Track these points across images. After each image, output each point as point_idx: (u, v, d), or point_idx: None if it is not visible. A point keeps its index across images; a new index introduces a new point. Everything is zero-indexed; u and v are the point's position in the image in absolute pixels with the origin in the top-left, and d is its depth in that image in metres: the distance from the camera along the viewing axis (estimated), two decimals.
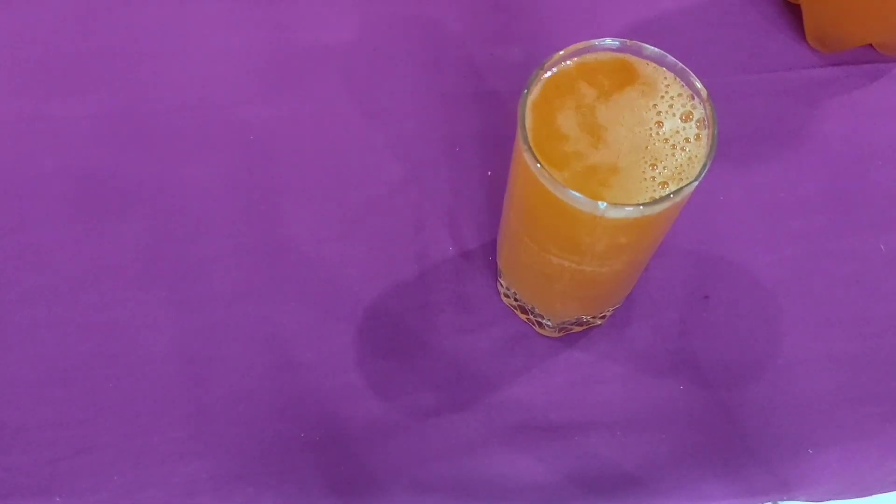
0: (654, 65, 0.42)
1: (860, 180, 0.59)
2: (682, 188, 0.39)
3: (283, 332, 0.54)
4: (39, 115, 0.59)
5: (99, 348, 0.53)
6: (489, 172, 0.58)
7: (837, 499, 0.53)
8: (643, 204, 0.39)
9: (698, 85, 0.42)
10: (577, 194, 0.39)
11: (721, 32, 0.63)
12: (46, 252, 0.55)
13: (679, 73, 0.42)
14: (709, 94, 0.41)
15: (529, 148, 0.39)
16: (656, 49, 0.42)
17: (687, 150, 0.41)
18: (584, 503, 0.51)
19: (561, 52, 0.42)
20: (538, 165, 0.39)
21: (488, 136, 0.59)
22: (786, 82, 0.62)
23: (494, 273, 0.55)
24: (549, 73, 0.42)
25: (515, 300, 0.53)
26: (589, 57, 0.42)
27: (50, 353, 0.53)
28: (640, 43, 0.42)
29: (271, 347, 0.53)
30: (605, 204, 0.39)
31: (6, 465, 0.50)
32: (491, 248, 0.55)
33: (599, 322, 0.54)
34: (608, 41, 0.42)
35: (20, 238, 0.55)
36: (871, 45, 0.62)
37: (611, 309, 0.53)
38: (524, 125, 0.40)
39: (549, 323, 0.52)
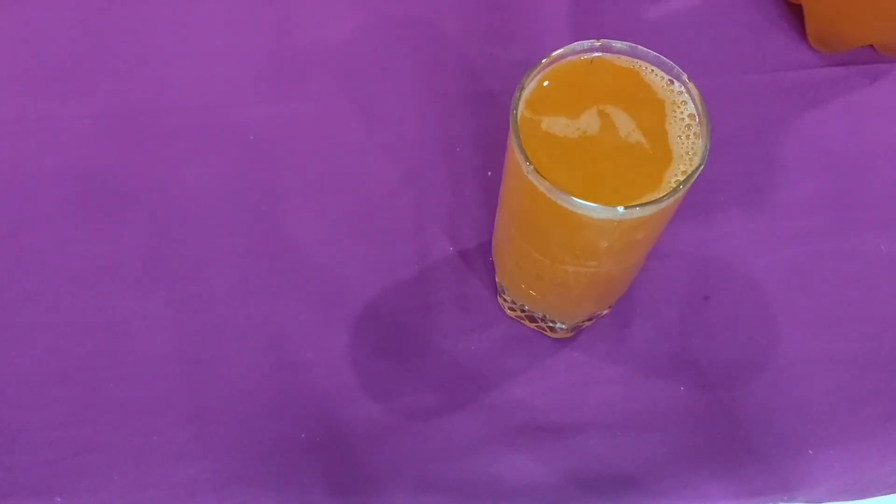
0: (626, 57, 0.42)
1: (860, 180, 0.59)
2: (691, 174, 0.39)
3: (283, 333, 0.54)
4: (39, 115, 0.59)
5: (99, 348, 0.53)
6: (489, 172, 0.58)
7: (838, 500, 0.53)
8: (657, 200, 0.39)
9: (676, 68, 0.41)
10: (593, 204, 0.38)
11: (721, 32, 0.63)
12: (46, 252, 0.55)
13: (653, 62, 0.42)
14: (689, 76, 0.41)
15: (534, 169, 0.39)
16: (626, 43, 0.42)
17: (683, 132, 0.41)
18: (583, 503, 0.51)
19: (536, 67, 0.41)
20: (547, 184, 0.39)
21: (488, 136, 0.59)
22: (786, 82, 0.62)
23: (494, 273, 0.55)
24: (528, 91, 0.41)
25: (523, 311, 0.53)
26: (562, 65, 0.42)
27: (50, 353, 0.53)
28: (609, 40, 0.42)
29: (271, 348, 0.53)
30: (622, 208, 0.38)
31: (6, 465, 0.50)
32: (490, 247, 0.55)
33: (606, 311, 0.54)
34: (577, 45, 0.42)
35: (20, 238, 0.55)
36: (871, 45, 0.62)
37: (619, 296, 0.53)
38: (521, 147, 0.40)
39: (562, 326, 0.52)
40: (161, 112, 0.59)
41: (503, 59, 0.62)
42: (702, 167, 0.39)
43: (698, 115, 0.41)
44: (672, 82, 0.42)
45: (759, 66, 0.62)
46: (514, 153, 0.40)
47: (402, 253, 0.56)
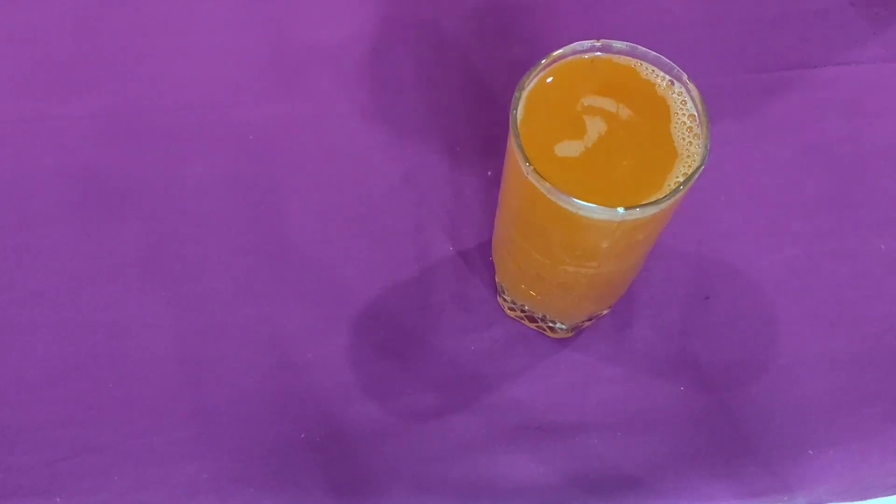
0: (626, 57, 0.42)
1: (860, 180, 0.59)
2: (691, 175, 0.39)
3: (283, 332, 0.53)
4: (39, 115, 0.59)
5: (99, 348, 0.53)
6: (489, 172, 0.58)
7: (838, 500, 0.53)
8: (658, 201, 0.39)
9: (676, 68, 0.41)
10: (593, 205, 0.38)
11: (721, 32, 0.63)
12: (46, 252, 0.55)
13: (653, 62, 0.42)
14: (689, 76, 0.41)
15: (534, 170, 0.39)
16: (626, 43, 0.42)
17: (683, 132, 0.41)
18: (583, 503, 0.51)
19: (536, 67, 0.41)
20: (547, 185, 0.39)
21: (488, 136, 0.59)
22: (786, 82, 0.62)
23: (494, 273, 0.55)
24: (528, 91, 0.41)
25: (523, 311, 0.53)
26: (562, 65, 0.42)
27: (50, 353, 0.53)
28: (609, 40, 0.42)
29: (271, 347, 0.53)
30: (622, 209, 0.38)
31: (6, 465, 0.50)
32: (490, 247, 0.55)
33: (606, 311, 0.54)
34: (577, 45, 0.42)
35: (20, 238, 0.55)
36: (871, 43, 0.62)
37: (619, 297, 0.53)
38: (521, 147, 0.40)
39: (562, 326, 0.52)
40: (161, 112, 0.59)
41: (503, 59, 0.62)
42: (702, 167, 0.39)
43: (698, 115, 0.41)
44: (672, 82, 0.42)
45: (759, 66, 0.62)
46: (513, 154, 0.40)
47: (402, 253, 0.56)
